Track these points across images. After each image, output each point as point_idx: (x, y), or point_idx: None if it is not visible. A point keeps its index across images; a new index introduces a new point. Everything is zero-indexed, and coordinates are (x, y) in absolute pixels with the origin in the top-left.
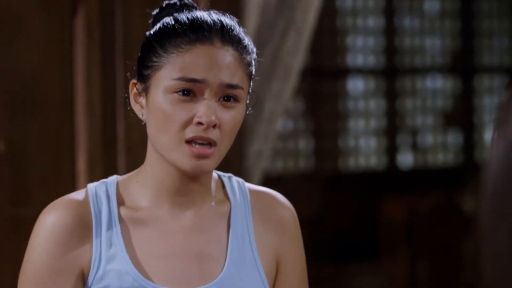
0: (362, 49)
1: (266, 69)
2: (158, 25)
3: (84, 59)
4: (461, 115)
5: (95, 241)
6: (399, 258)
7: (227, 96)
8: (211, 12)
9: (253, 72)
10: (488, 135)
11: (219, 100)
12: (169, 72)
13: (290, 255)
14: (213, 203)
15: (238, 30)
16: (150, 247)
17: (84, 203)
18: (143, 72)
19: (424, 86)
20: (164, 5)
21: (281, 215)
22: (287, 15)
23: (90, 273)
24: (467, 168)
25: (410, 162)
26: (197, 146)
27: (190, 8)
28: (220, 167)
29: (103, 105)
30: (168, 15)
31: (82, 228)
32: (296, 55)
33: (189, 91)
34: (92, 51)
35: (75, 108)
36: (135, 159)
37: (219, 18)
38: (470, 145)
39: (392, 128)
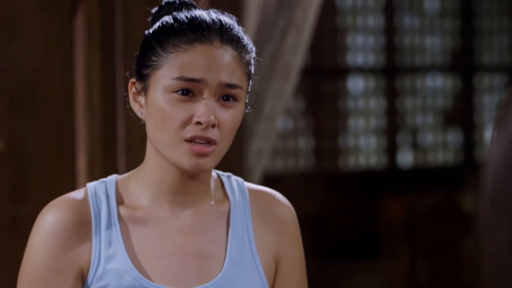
0: (362, 48)
1: (266, 68)
2: (157, 24)
3: (84, 59)
4: (461, 114)
5: (94, 240)
6: (399, 257)
7: (226, 96)
8: (210, 11)
9: (252, 71)
10: (488, 134)
11: (218, 99)
12: (168, 71)
13: (289, 254)
14: (212, 202)
15: (237, 29)
16: (149, 246)
17: (84, 202)
18: (142, 71)
19: (424, 85)
20: (163, 3)
21: (281, 215)
22: (287, 14)
23: (90, 272)
24: (467, 167)
25: (410, 161)
26: (196, 144)
27: (189, 6)
28: (220, 167)
29: (103, 105)
30: (167, 13)
31: (81, 227)
32: (296, 54)
33: (188, 90)
34: (92, 51)
35: (75, 108)
36: (135, 159)
37: (218, 17)
38: (470, 144)
39: (392, 127)
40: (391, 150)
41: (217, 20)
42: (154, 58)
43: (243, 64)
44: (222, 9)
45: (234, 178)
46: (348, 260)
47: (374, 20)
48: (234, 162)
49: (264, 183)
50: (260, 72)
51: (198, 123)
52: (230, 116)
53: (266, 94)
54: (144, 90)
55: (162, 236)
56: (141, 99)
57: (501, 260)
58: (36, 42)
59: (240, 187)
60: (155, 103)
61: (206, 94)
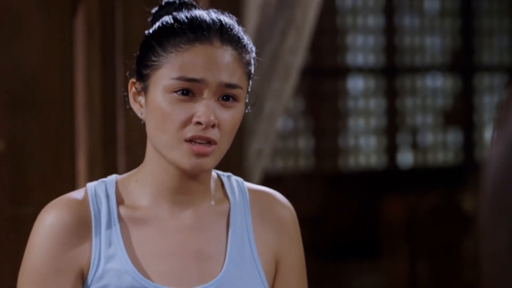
0: (362, 48)
1: (266, 68)
2: (157, 24)
3: (84, 59)
4: (461, 114)
5: (94, 240)
6: (399, 257)
7: (226, 96)
8: (210, 11)
9: (252, 71)
10: (488, 134)
11: (218, 99)
12: (168, 71)
13: (289, 255)
14: (212, 202)
15: (237, 29)
16: (149, 246)
17: (84, 202)
18: (142, 71)
19: (424, 85)
20: (163, 3)
21: (281, 215)
22: (287, 14)
23: (90, 272)
24: (467, 167)
25: (410, 161)
26: (196, 144)
27: (189, 6)
28: (220, 167)
29: (103, 105)
30: (167, 13)
31: (81, 227)
32: (296, 54)
33: (188, 90)
34: (92, 51)
35: (75, 108)
36: (135, 159)
37: (218, 17)
38: (470, 144)
39: (392, 127)
40: (391, 150)
41: (217, 20)
42: (154, 58)
43: (243, 64)
44: (222, 9)
45: (234, 178)
46: (348, 260)
47: (374, 20)
48: (234, 162)
49: (264, 183)
50: (260, 72)
51: (198, 123)
52: (230, 116)
53: (266, 94)
54: (144, 90)
55: (162, 236)
56: (141, 99)
57: (501, 260)
58: (36, 42)
59: (240, 187)
60: (155, 103)
61: (206, 94)
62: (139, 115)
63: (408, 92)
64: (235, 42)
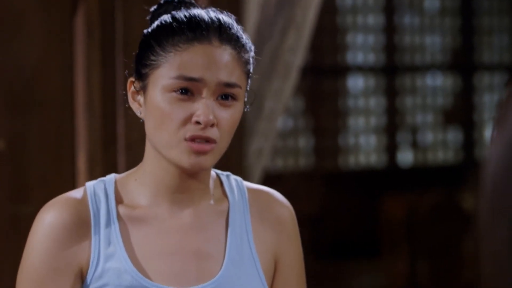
0: (362, 47)
1: (266, 67)
2: (156, 23)
3: (84, 59)
4: (461, 113)
5: (93, 239)
6: (399, 257)
7: (225, 95)
8: (209, 9)
9: (251, 70)
10: (488, 132)
11: (217, 98)
12: (167, 70)
13: (288, 254)
14: (211, 201)
15: (236, 28)
16: (148, 245)
17: (83, 201)
18: (141, 70)
19: (424, 84)
20: (162, 1)
21: (279, 214)
22: (287, 12)
23: (89, 271)
24: (467, 166)
25: (410, 160)
26: (196, 142)
27: (188, 5)
28: (220, 166)
29: (103, 105)
30: (166, 12)
31: (80, 226)
32: (296, 53)
33: (187, 90)
34: (92, 51)
35: (75, 108)
36: (135, 158)
37: (217, 16)
38: (470, 143)
39: (392, 126)
40: (391, 149)
41: (215, 19)
42: (153, 58)
43: (242, 63)
44: (222, 8)
45: (233, 177)
46: (348, 259)
47: (374, 19)
48: (234, 162)
49: (264, 182)
50: (260, 71)
51: (197, 122)
52: (229, 115)
53: (266, 93)
54: (143, 89)
55: (161, 235)
56: (140, 98)
57: (501, 260)
58: (36, 41)
59: (239, 186)
60: (154, 102)
61: (205, 93)
62: (138, 114)
63: (408, 91)
64: (234, 41)
